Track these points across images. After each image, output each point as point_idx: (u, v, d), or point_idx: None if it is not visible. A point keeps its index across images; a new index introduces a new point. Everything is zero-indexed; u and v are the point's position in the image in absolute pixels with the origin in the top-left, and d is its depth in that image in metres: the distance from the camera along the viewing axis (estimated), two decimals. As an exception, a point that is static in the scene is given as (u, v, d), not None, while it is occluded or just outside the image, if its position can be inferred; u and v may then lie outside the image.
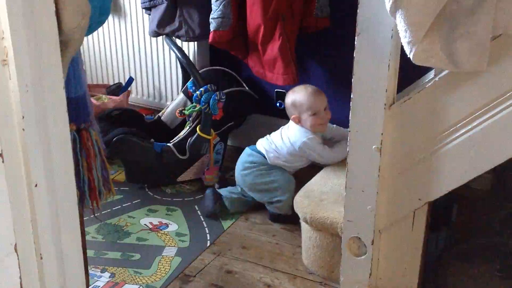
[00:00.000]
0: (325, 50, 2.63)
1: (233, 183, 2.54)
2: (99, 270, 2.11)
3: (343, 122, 2.52)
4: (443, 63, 1.38)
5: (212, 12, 2.44)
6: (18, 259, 0.97)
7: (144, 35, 3.01)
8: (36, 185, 0.97)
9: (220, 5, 2.41)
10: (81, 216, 1.41)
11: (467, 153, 1.52)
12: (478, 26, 1.32)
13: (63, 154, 1.02)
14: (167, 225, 2.39)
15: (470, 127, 1.49)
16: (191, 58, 2.82)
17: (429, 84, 1.52)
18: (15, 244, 0.96)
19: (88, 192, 1.37)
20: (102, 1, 1.20)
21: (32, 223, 0.98)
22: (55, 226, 1.03)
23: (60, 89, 0.97)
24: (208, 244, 2.25)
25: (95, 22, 1.19)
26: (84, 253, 1.36)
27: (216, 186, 2.64)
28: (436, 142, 1.55)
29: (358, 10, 1.48)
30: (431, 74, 1.71)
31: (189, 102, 2.77)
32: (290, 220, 2.34)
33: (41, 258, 1.01)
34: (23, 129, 0.93)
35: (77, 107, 1.30)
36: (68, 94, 1.18)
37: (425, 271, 1.80)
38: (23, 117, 0.92)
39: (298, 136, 2.35)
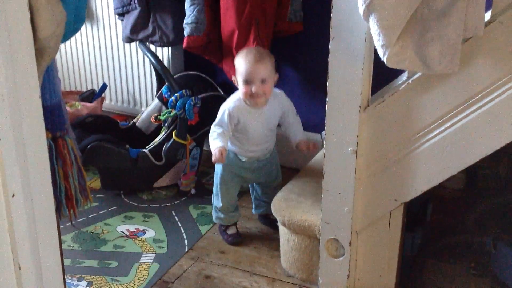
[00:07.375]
0: (299, 54, 2.64)
1: (210, 189, 2.52)
2: (76, 279, 2.09)
3: (318, 125, 2.54)
4: (416, 65, 1.41)
5: (186, 18, 2.44)
6: (-4, 270, 0.96)
7: (117, 41, 2.99)
8: (13, 195, 0.96)
9: (193, 10, 2.41)
10: (58, 224, 1.40)
11: (441, 154, 1.54)
12: (449, 29, 1.35)
13: (40, 163, 1.02)
14: (144, 232, 2.37)
15: (443, 128, 1.52)
16: (165, 63, 2.81)
17: (403, 86, 1.54)
18: (-7, 256, 0.95)
19: (65, 200, 1.36)
20: (77, 9, 1.19)
21: (9, 233, 0.97)
22: (33, 236, 1.02)
23: (36, 98, 0.96)
24: (186, 250, 2.24)
25: (69, 30, 1.19)
26: (61, 262, 1.35)
27: (193, 191, 2.63)
28: (410, 143, 1.58)
29: (331, 15, 1.50)
30: (404, 76, 1.73)
31: (164, 108, 2.76)
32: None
33: (20, 268, 1.00)
34: (0, 139, 0.92)
35: (52, 115, 1.28)
36: (43, 102, 1.17)
37: (402, 271, 1.82)
38: (-1, 126, 0.91)
39: (230, 98, 2.18)
